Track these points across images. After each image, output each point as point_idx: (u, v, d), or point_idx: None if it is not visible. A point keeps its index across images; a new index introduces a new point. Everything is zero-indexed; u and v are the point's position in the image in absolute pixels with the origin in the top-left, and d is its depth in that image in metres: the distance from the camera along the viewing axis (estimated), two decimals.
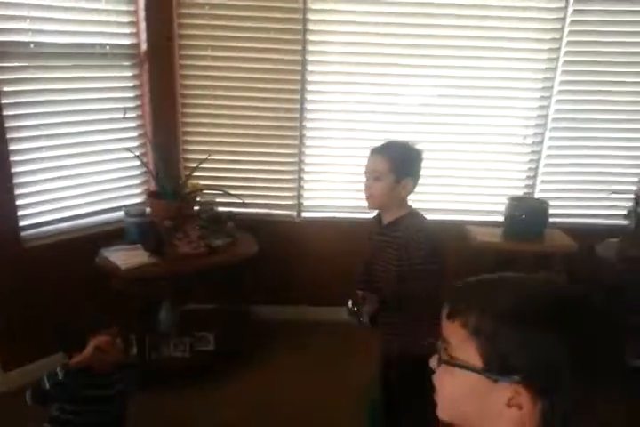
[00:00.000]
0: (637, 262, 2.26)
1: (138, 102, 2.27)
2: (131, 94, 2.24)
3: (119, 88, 2.22)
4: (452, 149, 2.48)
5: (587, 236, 2.38)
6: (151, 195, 2.27)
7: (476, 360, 0.56)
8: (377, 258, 1.64)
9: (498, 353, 0.55)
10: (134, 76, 2.22)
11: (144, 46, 2.19)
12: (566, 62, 2.33)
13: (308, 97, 2.38)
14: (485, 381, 0.56)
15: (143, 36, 2.17)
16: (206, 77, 2.35)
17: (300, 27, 2.26)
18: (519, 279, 0.62)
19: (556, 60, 2.33)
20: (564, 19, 2.27)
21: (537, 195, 2.50)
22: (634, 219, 2.36)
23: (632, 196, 2.43)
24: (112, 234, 2.24)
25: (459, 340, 0.58)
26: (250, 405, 2.04)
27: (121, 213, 2.31)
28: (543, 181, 2.50)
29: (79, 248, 2.13)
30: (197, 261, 2.09)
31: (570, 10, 2.26)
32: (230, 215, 2.32)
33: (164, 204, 2.21)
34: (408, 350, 1.46)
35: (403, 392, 1.62)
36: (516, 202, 2.37)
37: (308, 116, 2.41)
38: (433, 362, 0.62)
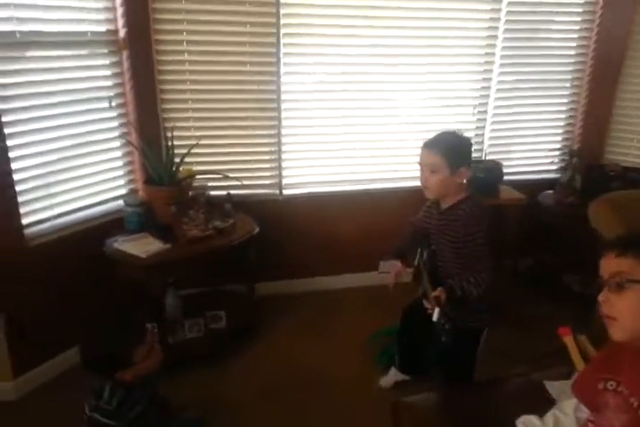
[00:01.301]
0: (570, 207, 2.71)
1: (120, 90, 2.22)
2: (111, 82, 2.19)
3: (101, 77, 2.16)
4: (414, 122, 2.73)
5: (531, 189, 2.80)
6: (147, 182, 2.27)
7: None
8: (436, 241, 1.73)
9: None
10: (114, 64, 2.17)
11: (122, 33, 2.14)
12: (505, 39, 2.67)
13: (284, 79, 2.46)
14: None
15: (121, 22, 2.12)
16: (182, 62, 2.34)
17: (274, 10, 2.33)
18: None
19: (496, 37, 2.67)
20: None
21: (488, 157, 2.86)
22: (566, 172, 2.83)
23: (564, 153, 2.91)
24: (111, 225, 2.22)
25: (631, 268, 0.81)
26: (269, 372, 2.19)
27: (115, 204, 2.30)
28: (491, 145, 2.87)
29: (82, 242, 2.11)
30: (208, 242, 2.15)
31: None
32: (227, 197, 2.39)
33: (164, 190, 2.23)
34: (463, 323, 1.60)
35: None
36: (475, 164, 2.70)
37: (284, 97, 2.49)
38: (604, 294, 0.86)
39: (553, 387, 1.23)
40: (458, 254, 1.63)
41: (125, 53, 2.18)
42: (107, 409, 1.37)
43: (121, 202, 2.29)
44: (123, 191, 2.37)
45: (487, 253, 1.60)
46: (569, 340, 1.34)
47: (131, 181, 2.40)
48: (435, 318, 1.44)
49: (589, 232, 2.26)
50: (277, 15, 2.34)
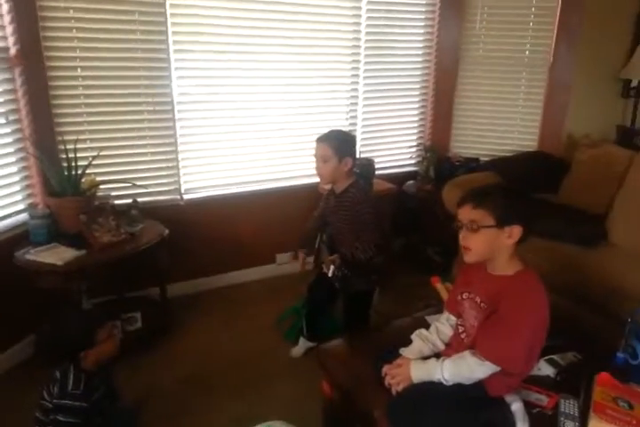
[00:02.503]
0: (429, 193, 3.28)
1: (14, 106, 2.26)
2: (3, 99, 2.22)
3: None
4: (299, 126, 3.07)
5: (397, 180, 3.33)
6: (51, 194, 2.32)
7: (492, 222, 1.23)
8: (334, 221, 2.14)
9: (503, 216, 1.22)
10: (7, 80, 2.21)
11: (13, 50, 2.19)
12: (366, 55, 3.16)
13: (176, 85, 2.64)
14: (496, 231, 1.23)
15: (11, 39, 2.17)
16: (75, 77, 2.42)
17: (162, 19, 2.50)
18: (495, 186, 1.31)
19: (359, 54, 3.14)
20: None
21: (361, 155, 3.32)
22: (423, 165, 3.40)
23: (420, 149, 3.49)
24: (14, 240, 2.24)
25: (481, 216, 1.23)
26: (191, 362, 2.37)
27: (14, 219, 2.32)
28: (362, 145, 3.33)
29: None
30: (124, 246, 2.28)
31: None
32: (133, 204, 2.52)
33: (70, 200, 2.30)
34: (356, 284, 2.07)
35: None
36: None
37: (178, 107, 2.69)
38: (464, 234, 1.27)
39: (432, 319, 1.64)
40: (350, 228, 2.04)
41: (18, 70, 2.22)
42: (76, 393, 1.52)
43: (20, 217, 2.33)
44: (22, 206, 2.38)
45: (374, 227, 2.01)
46: (439, 285, 1.78)
47: (30, 195, 2.42)
48: (330, 273, 1.89)
49: (445, 212, 2.82)
50: (166, 24, 2.51)
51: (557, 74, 3.24)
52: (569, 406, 1.31)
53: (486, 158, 3.32)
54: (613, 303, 1.99)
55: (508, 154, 3.33)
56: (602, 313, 1.98)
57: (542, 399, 1.35)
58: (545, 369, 1.46)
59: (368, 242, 1.99)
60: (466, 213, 1.28)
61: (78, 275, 2.15)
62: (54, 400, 1.57)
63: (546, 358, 1.47)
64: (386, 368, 1.38)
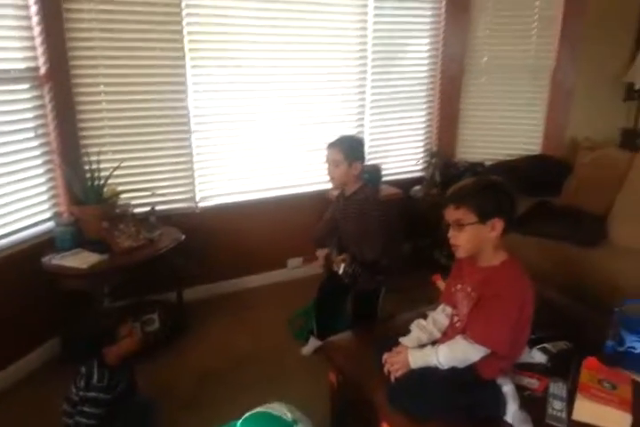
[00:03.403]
0: (435, 197, 3.37)
1: (43, 121, 2.43)
2: (33, 114, 2.40)
3: (24, 109, 2.36)
4: (309, 136, 3.20)
5: (404, 186, 3.43)
6: (76, 203, 2.49)
7: (474, 219, 1.33)
8: (343, 223, 2.24)
9: (483, 212, 1.32)
10: (37, 97, 2.39)
11: (43, 69, 2.37)
12: (374, 66, 3.29)
13: (192, 102, 2.82)
14: (480, 226, 1.33)
15: (42, 59, 2.36)
16: (98, 93, 2.61)
17: (178, 36, 2.67)
18: (473, 182, 1.39)
19: (366, 64, 3.28)
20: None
21: (369, 162, 3.43)
22: (429, 170, 3.51)
23: (426, 155, 3.60)
24: (41, 247, 2.40)
25: (464, 215, 1.33)
26: (206, 360, 2.48)
27: (42, 227, 2.48)
28: (370, 152, 3.44)
29: (17, 264, 2.28)
30: (142, 251, 2.43)
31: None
32: (151, 211, 2.67)
33: (94, 208, 2.46)
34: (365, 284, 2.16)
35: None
36: None
37: (194, 119, 2.85)
38: (452, 233, 1.36)
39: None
40: (358, 230, 2.14)
41: (47, 87, 2.40)
42: (101, 386, 1.66)
43: (47, 225, 2.49)
44: (48, 214, 2.53)
45: (381, 229, 2.12)
46: (440, 282, 1.87)
47: (55, 204, 2.58)
48: (341, 270, 1.98)
49: None
50: (183, 41, 2.69)
51: (560, 79, 3.33)
52: (558, 388, 1.39)
53: (491, 162, 3.41)
54: (611, 299, 2.05)
55: (512, 158, 3.42)
56: (599, 309, 2.04)
57: (534, 383, 1.44)
58: (538, 357, 1.54)
59: (376, 243, 2.09)
60: (450, 214, 1.39)
61: (101, 277, 2.29)
62: (80, 393, 1.70)
63: (538, 346, 1.56)
64: (386, 356, 1.47)
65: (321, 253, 2.35)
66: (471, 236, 1.36)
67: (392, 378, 1.44)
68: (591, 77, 3.37)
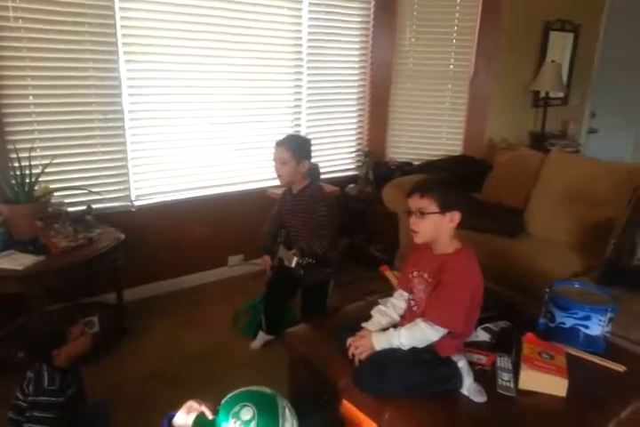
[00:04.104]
0: (369, 194, 3.54)
1: None
2: None
3: None
4: (248, 134, 3.21)
5: (340, 184, 3.56)
6: (5, 202, 2.32)
7: (436, 209, 1.45)
8: (290, 219, 2.29)
9: (445, 203, 1.44)
10: None
11: None
12: (309, 68, 3.38)
13: (127, 98, 2.73)
14: (440, 216, 1.46)
15: None
16: (24, 78, 2.45)
17: (112, 21, 2.57)
18: (438, 179, 1.52)
19: (302, 66, 3.36)
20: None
21: None
22: (362, 169, 3.66)
23: (360, 154, 3.75)
24: None
25: (427, 204, 1.45)
26: (153, 360, 2.45)
27: None
28: None
29: None
30: (82, 251, 2.32)
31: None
32: (88, 210, 2.56)
33: (25, 207, 2.32)
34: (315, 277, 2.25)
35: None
36: None
37: (129, 115, 2.77)
38: (413, 220, 1.47)
39: (384, 301, 1.84)
40: (306, 225, 2.22)
41: None
42: (53, 390, 1.57)
43: None
44: None
45: (329, 224, 2.20)
46: (388, 272, 2.00)
47: None
48: (293, 264, 2.07)
49: (383, 211, 3.08)
50: (116, 35, 2.60)
51: (477, 86, 3.63)
52: (504, 361, 1.56)
53: (418, 162, 3.64)
54: (531, 283, 2.31)
55: (436, 158, 3.67)
56: (522, 292, 2.29)
57: (482, 359, 1.59)
58: (482, 336, 1.71)
59: (324, 237, 2.17)
60: (414, 202, 1.51)
61: (38, 280, 2.17)
62: (29, 398, 1.61)
63: (482, 326, 1.72)
64: (350, 340, 1.56)
65: (267, 259, 2.43)
66: (431, 224, 1.49)
67: (356, 361, 1.53)
68: (505, 85, 3.71)
